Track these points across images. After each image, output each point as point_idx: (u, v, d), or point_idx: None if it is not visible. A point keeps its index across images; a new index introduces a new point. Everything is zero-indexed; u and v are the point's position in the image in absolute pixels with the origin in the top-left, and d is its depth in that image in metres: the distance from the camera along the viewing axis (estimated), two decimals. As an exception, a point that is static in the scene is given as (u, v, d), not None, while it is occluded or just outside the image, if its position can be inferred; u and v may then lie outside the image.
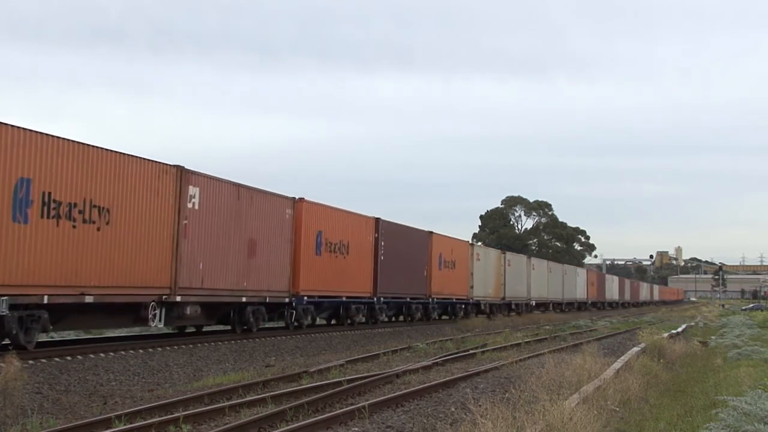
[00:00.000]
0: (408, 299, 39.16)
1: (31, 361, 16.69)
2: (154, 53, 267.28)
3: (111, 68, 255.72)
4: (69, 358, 18.24)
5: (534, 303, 60.57)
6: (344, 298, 32.41)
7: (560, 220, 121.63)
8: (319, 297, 30.16)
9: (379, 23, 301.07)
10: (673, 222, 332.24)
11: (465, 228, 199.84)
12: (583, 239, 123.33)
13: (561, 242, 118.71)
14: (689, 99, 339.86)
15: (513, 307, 55.91)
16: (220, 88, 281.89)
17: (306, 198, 29.20)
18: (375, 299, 34.83)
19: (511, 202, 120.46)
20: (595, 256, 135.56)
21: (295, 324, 28.63)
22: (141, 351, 20.44)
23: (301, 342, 26.79)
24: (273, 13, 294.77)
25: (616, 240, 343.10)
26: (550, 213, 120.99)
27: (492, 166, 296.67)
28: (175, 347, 21.88)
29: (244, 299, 25.15)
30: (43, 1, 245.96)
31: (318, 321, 32.43)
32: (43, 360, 17.54)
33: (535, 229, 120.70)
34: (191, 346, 22.57)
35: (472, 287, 47.28)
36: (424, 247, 40.86)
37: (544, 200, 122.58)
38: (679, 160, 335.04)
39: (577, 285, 76.99)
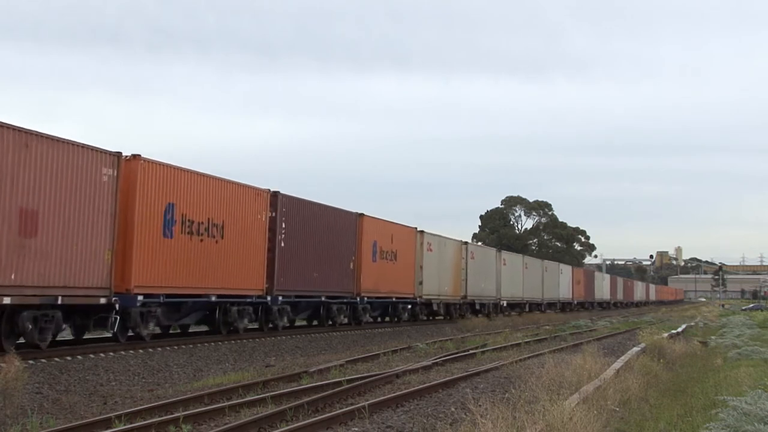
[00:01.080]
0: (323, 298, 31.00)
1: (31, 361, 16.70)
2: (151, 53, 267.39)
3: (109, 68, 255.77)
4: (69, 358, 18.24)
5: (505, 303, 54.17)
6: (213, 298, 24.01)
7: (560, 220, 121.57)
8: (167, 296, 22.03)
9: (377, 23, 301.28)
10: (673, 222, 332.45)
11: (465, 228, 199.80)
12: (583, 239, 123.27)
13: (561, 242, 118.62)
14: (689, 99, 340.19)
15: (477, 307, 48.92)
16: (218, 87, 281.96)
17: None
18: (270, 298, 26.79)
19: (511, 202, 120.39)
20: (595, 256, 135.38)
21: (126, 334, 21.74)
22: (141, 351, 20.45)
23: (301, 342, 26.80)
24: (271, 13, 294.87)
25: (616, 240, 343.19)
26: (550, 213, 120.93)
27: (492, 166, 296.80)
28: (175, 347, 21.88)
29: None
30: (41, 0, 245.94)
31: (172, 329, 25.85)
32: (43, 360, 17.55)
33: (535, 229, 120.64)
34: (191, 346, 22.57)
35: (421, 284, 39.91)
36: (351, 232, 33.00)
37: (544, 200, 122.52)
38: (679, 160, 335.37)
39: (560, 283, 70.64)
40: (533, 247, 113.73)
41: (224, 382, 16.46)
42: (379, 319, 38.56)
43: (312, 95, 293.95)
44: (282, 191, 27.79)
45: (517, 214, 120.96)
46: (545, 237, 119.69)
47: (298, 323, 32.39)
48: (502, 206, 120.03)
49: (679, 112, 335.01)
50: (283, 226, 27.56)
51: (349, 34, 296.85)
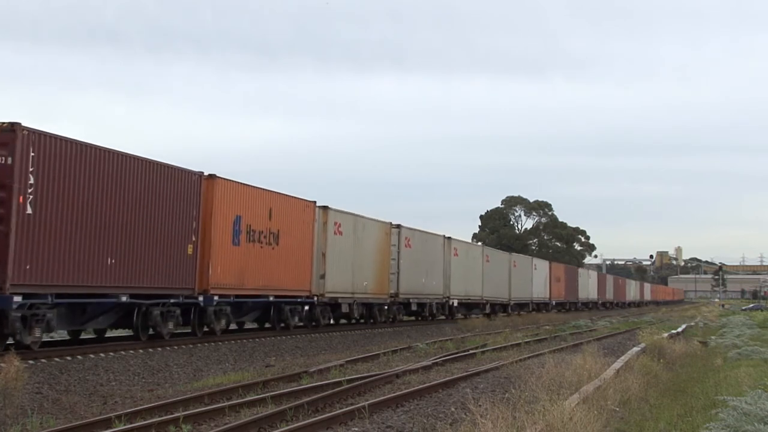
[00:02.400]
0: (126, 298, 20.47)
1: (31, 361, 16.69)
2: (151, 53, 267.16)
3: (108, 68, 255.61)
4: (69, 358, 18.24)
5: (455, 303, 44.80)
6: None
7: (560, 220, 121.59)
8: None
9: (376, 23, 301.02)
10: (673, 222, 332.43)
11: (465, 228, 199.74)
12: (583, 239, 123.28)
13: (561, 242, 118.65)
14: (689, 98, 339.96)
15: (415, 308, 39.98)
16: (218, 87, 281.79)
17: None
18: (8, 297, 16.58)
19: (511, 202, 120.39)
20: (595, 257, 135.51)
21: None
22: (141, 351, 20.44)
23: (301, 342, 26.80)
24: (270, 13, 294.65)
25: (616, 240, 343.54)
26: (550, 213, 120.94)
27: (492, 166, 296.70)
28: (175, 347, 21.87)
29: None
30: (39, 0, 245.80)
31: None
32: (43, 360, 17.54)
33: (535, 229, 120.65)
34: (191, 346, 22.56)
35: (323, 278, 30.31)
36: (191, 201, 22.80)
37: (544, 200, 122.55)
38: (679, 160, 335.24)
39: (533, 281, 61.39)
40: (533, 247, 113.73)
41: (224, 382, 16.46)
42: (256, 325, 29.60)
43: (311, 95, 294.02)
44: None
45: (517, 214, 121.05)
46: (545, 237, 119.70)
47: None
48: (502, 206, 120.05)
49: (679, 112, 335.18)
50: (31, 181, 17.17)
51: (349, 34, 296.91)
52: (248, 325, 29.66)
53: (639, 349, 22.99)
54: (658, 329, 32.33)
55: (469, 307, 48.57)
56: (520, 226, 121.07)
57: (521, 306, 58.17)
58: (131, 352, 20.21)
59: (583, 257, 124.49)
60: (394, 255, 37.12)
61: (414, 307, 39.74)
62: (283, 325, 28.34)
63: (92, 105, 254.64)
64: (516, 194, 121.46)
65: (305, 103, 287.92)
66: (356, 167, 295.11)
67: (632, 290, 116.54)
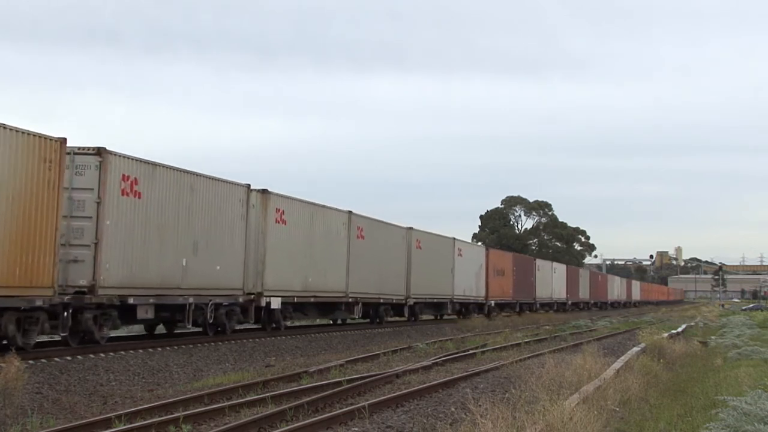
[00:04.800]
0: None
1: (31, 361, 16.70)
2: (149, 53, 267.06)
3: (107, 68, 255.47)
4: (69, 358, 18.26)
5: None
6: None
7: (560, 220, 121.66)
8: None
9: (375, 23, 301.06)
10: (673, 222, 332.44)
11: (465, 228, 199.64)
12: (583, 239, 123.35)
13: (561, 242, 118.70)
14: (689, 98, 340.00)
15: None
16: (217, 87, 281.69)
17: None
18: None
19: (511, 202, 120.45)
20: (595, 257, 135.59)
21: None
22: (141, 351, 20.46)
23: (301, 342, 26.81)
24: (269, 13, 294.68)
25: (616, 240, 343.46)
26: (550, 213, 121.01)
27: (492, 166, 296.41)
28: (175, 347, 21.89)
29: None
30: (37, 1, 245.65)
31: None
32: (43, 360, 17.56)
33: (535, 229, 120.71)
34: (191, 346, 22.58)
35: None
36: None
37: (544, 200, 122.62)
38: (679, 160, 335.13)
39: (467, 274, 47.46)
40: (533, 248, 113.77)
41: (224, 382, 16.46)
42: None
43: (310, 95, 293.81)
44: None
45: (517, 214, 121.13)
46: (545, 237, 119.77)
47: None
48: (502, 206, 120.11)
49: (679, 112, 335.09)
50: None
51: (348, 34, 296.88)
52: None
53: (639, 349, 22.99)
54: (658, 329, 32.32)
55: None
56: (520, 226, 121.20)
57: (442, 305, 44.70)
58: (131, 352, 20.22)
59: (583, 257, 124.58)
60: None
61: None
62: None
63: (91, 105, 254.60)
64: (516, 194, 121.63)
65: (304, 103, 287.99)
66: (356, 167, 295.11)
67: (616, 289, 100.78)
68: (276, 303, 27.16)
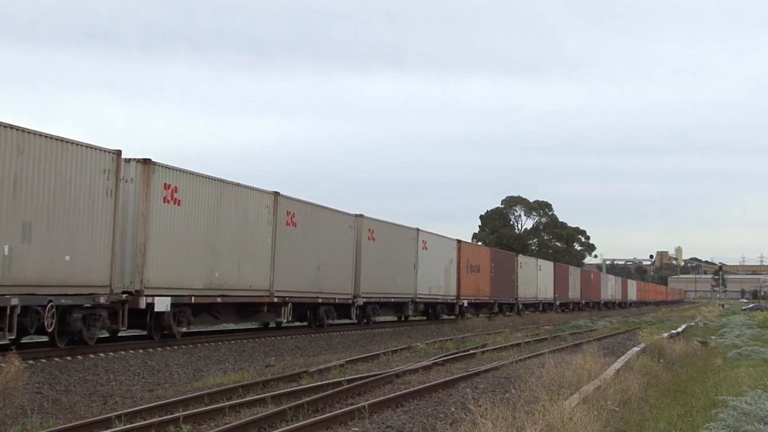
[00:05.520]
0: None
1: (31, 361, 16.69)
2: (147, 53, 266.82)
3: (104, 69, 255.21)
4: (69, 358, 18.25)
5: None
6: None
7: (560, 220, 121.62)
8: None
9: (373, 23, 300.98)
10: (673, 222, 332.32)
11: (465, 228, 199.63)
12: (583, 239, 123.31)
13: (561, 242, 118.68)
14: (689, 98, 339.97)
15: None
16: (215, 87, 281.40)
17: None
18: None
19: (511, 202, 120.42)
20: (595, 256, 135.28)
21: None
22: (141, 351, 20.46)
23: (301, 342, 26.82)
24: (267, 13, 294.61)
25: (616, 240, 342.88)
26: (550, 213, 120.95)
27: (492, 166, 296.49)
28: (175, 347, 21.88)
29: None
30: (35, 0, 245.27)
31: None
32: (43, 360, 17.56)
33: (535, 229, 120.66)
34: (191, 346, 22.57)
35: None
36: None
37: (544, 200, 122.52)
38: (678, 160, 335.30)
39: (433, 269, 41.79)
40: (533, 247, 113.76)
41: (224, 382, 16.47)
42: None
43: (308, 95, 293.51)
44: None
45: (517, 214, 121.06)
46: (545, 237, 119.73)
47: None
48: (502, 206, 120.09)
49: (680, 112, 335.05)
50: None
51: (346, 34, 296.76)
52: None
53: (639, 349, 22.99)
54: (658, 329, 32.33)
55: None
56: (520, 226, 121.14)
57: (402, 305, 39.24)
58: (131, 352, 20.22)
59: (583, 257, 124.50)
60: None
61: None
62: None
63: (89, 105, 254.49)
64: (516, 194, 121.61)
65: (302, 103, 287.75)
66: (355, 167, 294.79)
67: (610, 288, 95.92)
68: (163, 304, 21.68)
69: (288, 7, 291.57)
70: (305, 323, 31.47)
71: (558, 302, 68.49)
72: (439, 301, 43.47)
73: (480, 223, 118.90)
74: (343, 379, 16.21)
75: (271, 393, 14.10)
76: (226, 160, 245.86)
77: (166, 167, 21.90)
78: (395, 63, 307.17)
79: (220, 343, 23.72)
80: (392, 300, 38.00)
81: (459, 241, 47.31)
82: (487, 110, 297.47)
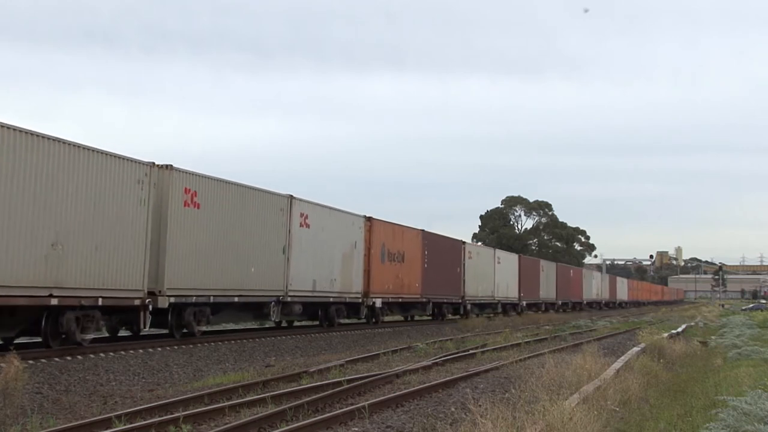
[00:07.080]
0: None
1: (31, 361, 16.70)
2: (146, 53, 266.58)
3: (104, 69, 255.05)
4: (69, 358, 18.26)
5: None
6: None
7: (560, 220, 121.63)
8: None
9: (373, 23, 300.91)
10: (673, 222, 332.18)
11: (465, 228, 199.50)
12: (583, 239, 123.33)
13: (561, 242, 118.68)
14: (689, 98, 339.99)
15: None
16: (214, 87, 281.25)
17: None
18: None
19: (511, 202, 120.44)
20: (595, 256, 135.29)
21: None
22: (141, 351, 20.47)
23: (301, 342, 26.82)
24: (266, 13, 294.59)
25: (616, 240, 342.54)
26: (550, 213, 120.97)
27: (492, 166, 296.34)
28: (175, 347, 21.89)
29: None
30: (35, 1, 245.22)
31: None
32: (43, 360, 17.56)
33: (535, 229, 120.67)
34: (191, 346, 22.58)
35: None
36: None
37: (544, 200, 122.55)
38: (678, 160, 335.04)
39: (320, 256, 30.67)
40: (533, 247, 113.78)
41: (224, 382, 16.47)
42: None
43: (308, 95, 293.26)
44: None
45: (517, 214, 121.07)
46: (545, 237, 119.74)
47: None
48: (502, 206, 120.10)
49: (680, 112, 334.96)
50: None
51: (346, 34, 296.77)
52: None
53: (639, 349, 22.98)
54: (658, 329, 32.33)
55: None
56: (520, 226, 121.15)
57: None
58: (131, 352, 20.23)
59: (583, 257, 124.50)
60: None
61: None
62: None
63: (89, 105, 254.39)
64: (516, 194, 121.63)
65: (302, 103, 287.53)
66: (355, 167, 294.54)
67: (594, 287, 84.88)
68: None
69: (288, 7, 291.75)
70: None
71: (524, 302, 58.01)
72: (332, 300, 32.12)
73: (480, 224, 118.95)
74: (343, 379, 16.21)
75: (271, 393, 14.10)
76: (228, 160, 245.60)
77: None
78: (395, 63, 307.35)
79: (220, 343, 23.72)
80: (244, 300, 25.94)
81: (369, 219, 35.55)
82: (487, 110, 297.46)
